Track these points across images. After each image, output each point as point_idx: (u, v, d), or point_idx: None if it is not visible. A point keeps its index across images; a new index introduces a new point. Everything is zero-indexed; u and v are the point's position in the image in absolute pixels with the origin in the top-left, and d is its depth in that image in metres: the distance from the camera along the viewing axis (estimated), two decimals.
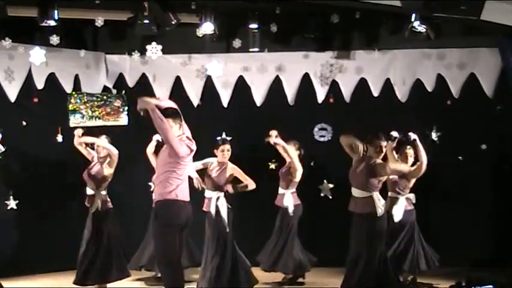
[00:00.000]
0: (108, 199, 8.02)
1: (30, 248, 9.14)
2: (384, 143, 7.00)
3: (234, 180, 7.91)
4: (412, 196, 8.10)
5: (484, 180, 9.54)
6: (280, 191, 8.58)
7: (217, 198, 7.67)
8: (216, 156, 7.84)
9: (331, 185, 9.63)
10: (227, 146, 7.82)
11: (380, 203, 6.94)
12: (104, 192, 7.98)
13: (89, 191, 7.96)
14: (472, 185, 9.51)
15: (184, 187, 6.42)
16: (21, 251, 9.15)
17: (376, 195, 6.93)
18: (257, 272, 8.20)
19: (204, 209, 7.74)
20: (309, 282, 8.61)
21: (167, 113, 6.32)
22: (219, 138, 8.76)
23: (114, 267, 7.91)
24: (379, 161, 7.06)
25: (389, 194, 8.03)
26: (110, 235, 7.93)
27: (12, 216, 9.16)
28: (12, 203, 9.15)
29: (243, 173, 7.90)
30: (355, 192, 6.96)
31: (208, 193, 7.75)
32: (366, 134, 7.17)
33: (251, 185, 7.87)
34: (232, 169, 7.90)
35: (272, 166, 9.60)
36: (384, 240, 6.99)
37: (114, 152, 8.00)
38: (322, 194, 9.68)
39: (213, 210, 7.65)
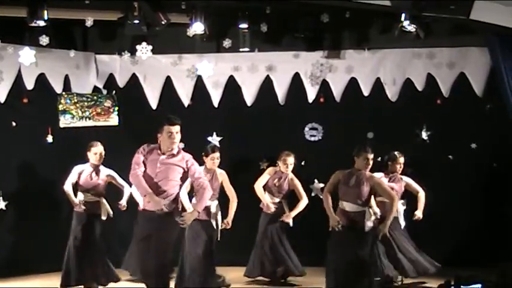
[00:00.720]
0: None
1: (19, 249, 9.13)
2: (370, 155, 7.07)
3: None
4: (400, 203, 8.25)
5: (475, 179, 9.56)
6: (269, 198, 8.59)
7: (215, 206, 7.80)
8: (204, 162, 7.84)
9: (321, 185, 9.49)
10: (217, 154, 7.88)
11: (371, 218, 7.09)
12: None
13: (91, 198, 7.94)
14: (463, 184, 9.52)
15: None
16: (11, 251, 9.13)
17: (368, 209, 7.10)
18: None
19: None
20: (301, 281, 8.61)
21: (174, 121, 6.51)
22: (209, 141, 8.84)
23: (105, 270, 7.96)
24: (368, 173, 7.14)
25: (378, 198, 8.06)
26: (101, 238, 7.98)
27: (2, 217, 9.13)
28: (1, 204, 9.11)
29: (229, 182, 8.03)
30: (347, 206, 7.07)
31: None
32: (354, 147, 7.29)
33: (234, 200, 8.00)
34: (221, 175, 7.98)
35: (263, 166, 9.61)
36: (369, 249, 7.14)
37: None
38: (313, 194, 9.63)
39: (211, 218, 7.75)
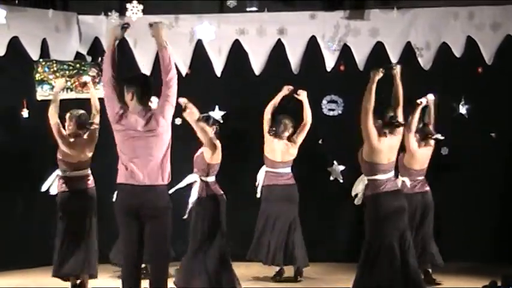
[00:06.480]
0: None
1: None
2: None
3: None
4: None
5: None
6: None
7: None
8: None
9: (341, 167, 9.53)
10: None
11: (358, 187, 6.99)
12: None
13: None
14: (508, 167, 9.45)
15: None
16: None
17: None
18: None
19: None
20: (317, 279, 8.65)
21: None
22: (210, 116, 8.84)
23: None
24: None
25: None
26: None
27: None
28: None
29: None
30: None
31: None
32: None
33: None
34: None
35: None
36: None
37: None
38: (331, 178, 9.61)
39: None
